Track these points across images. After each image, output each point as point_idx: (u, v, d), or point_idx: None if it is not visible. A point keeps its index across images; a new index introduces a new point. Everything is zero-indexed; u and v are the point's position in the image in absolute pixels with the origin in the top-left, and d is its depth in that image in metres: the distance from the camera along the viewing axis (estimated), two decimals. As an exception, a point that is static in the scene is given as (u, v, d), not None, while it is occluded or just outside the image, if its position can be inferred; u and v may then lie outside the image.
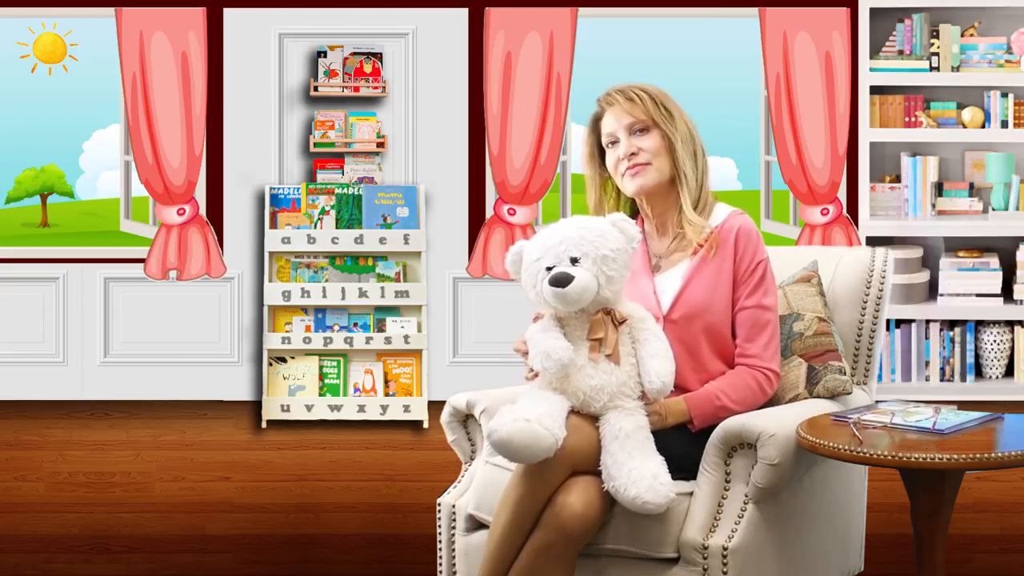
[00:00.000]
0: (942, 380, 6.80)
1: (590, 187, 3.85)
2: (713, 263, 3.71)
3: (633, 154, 3.71)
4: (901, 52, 6.81)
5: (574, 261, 3.51)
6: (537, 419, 3.38)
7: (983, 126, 6.81)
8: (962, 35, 6.81)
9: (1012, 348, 6.80)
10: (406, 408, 6.72)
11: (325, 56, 6.92)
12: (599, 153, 3.83)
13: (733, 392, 3.65)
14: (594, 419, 3.53)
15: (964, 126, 6.84)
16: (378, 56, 6.95)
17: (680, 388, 3.67)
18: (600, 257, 3.51)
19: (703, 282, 3.70)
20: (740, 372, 3.69)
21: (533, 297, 3.59)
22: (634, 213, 3.86)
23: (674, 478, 3.52)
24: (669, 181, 3.75)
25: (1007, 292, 6.81)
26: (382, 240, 6.81)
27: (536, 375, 3.59)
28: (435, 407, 6.60)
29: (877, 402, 3.82)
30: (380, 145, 6.94)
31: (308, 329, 6.81)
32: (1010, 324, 6.81)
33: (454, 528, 3.84)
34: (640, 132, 3.72)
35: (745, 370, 3.69)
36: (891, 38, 6.84)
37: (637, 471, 3.41)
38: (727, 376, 3.68)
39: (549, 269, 3.52)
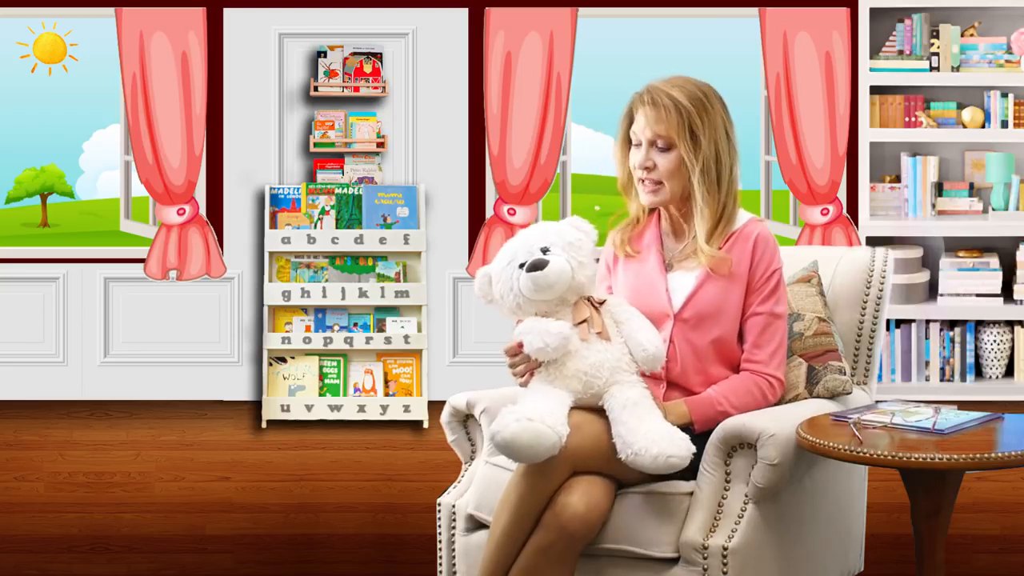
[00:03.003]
0: (942, 380, 6.80)
1: (620, 169, 3.79)
2: (721, 275, 3.69)
3: (648, 168, 3.68)
4: (901, 52, 6.81)
5: (544, 252, 3.58)
6: (540, 418, 3.39)
7: (983, 126, 6.81)
8: (962, 35, 6.81)
9: (1012, 348, 6.80)
10: (406, 408, 6.72)
11: (325, 56, 6.93)
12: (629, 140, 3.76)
13: (735, 397, 3.64)
14: (595, 411, 3.53)
15: (964, 126, 6.84)
16: (378, 56, 6.95)
17: (683, 389, 3.67)
18: (567, 244, 3.59)
19: (717, 286, 3.68)
20: (744, 378, 3.68)
21: (511, 303, 3.61)
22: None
23: (674, 478, 3.52)
24: (685, 196, 3.71)
25: (1007, 292, 6.80)
26: (382, 240, 6.81)
27: (529, 377, 3.59)
28: (435, 407, 6.60)
29: (877, 402, 3.82)
30: (380, 145, 6.94)
31: (308, 329, 6.81)
32: (1010, 324, 6.81)
33: (454, 528, 3.84)
34: (662, 148, 3.66)
35: (749, 376, 3.68)
36: (891, 38, 6.84)
37: (654, 431, 3.42)
38: (730, 381, 3.67)
39: (522, 265, 3.56)
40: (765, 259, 3.70)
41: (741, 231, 3.71)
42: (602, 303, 3.61)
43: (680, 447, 3.42)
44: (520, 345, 3.55)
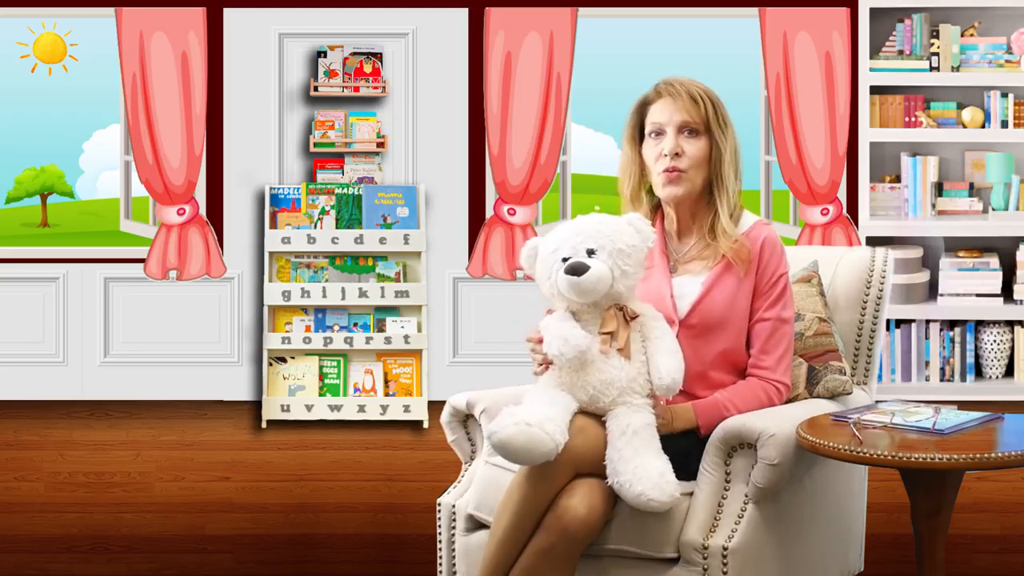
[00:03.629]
0: (942, 380, 6.80)
1: (626, 172, 3.75)
2: (735, 272, 3.68)
3: (677, 155, 3.64)
4: (901, 52, 6.81)
5: (590, 253, 3.51)
6: (538, 423, 3.38)
7: (983, 126, 6.81)
8: (962, 35, 6.81)
9: (1012, 348, 6.80)
10: (406, 408, 6.72)
11: (325, 56, 6.93)
12: (640, 137, 3.74)
13: (742, 403, 3.62)
14: (599, 418, 3.52)
15: (964, 126, 6.84)
16: (378, 56, 6.95)
17: (688, 395, 3.65)
18: (616, 251, 3.50)
19: (724, 291, 3.67)
20: (751, 383, 3.67)
21: (547, 289, 3.57)
22: (656, 206, 3.81)
23: (676, 477, 3.51)
24: (700, 191, 3.70)
25: (1007, 292, 6.81)
26: (382, 240, 6.81)
27: (545, 368, 3.57)
28: (435, 407, 6.60)
29: (877, 402, 3.82)
30: (380, 145, 6.94)
31: (308, 329, 6.81)
32: (1010, 324, 6.81)
33: (454, 528, 3.84)
34: (690, 134, 3.65)
35: (756, 381, 3.67)
36: (891, 38, 6.84)
37: (643, 468, 3.41)
38: (737, 386, 3.66)
39: (565, 260, 3.52)
40: (772, 263, 3.68)
41: (748, 234, 3.70)
42: (635, 317, 3.55)
43: (663, 491, 3.40)
44: (541, 340, 3.54)
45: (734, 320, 3.66)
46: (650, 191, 3.77)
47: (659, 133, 3.67)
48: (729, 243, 3.65)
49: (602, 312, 3.54)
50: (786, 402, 3.76)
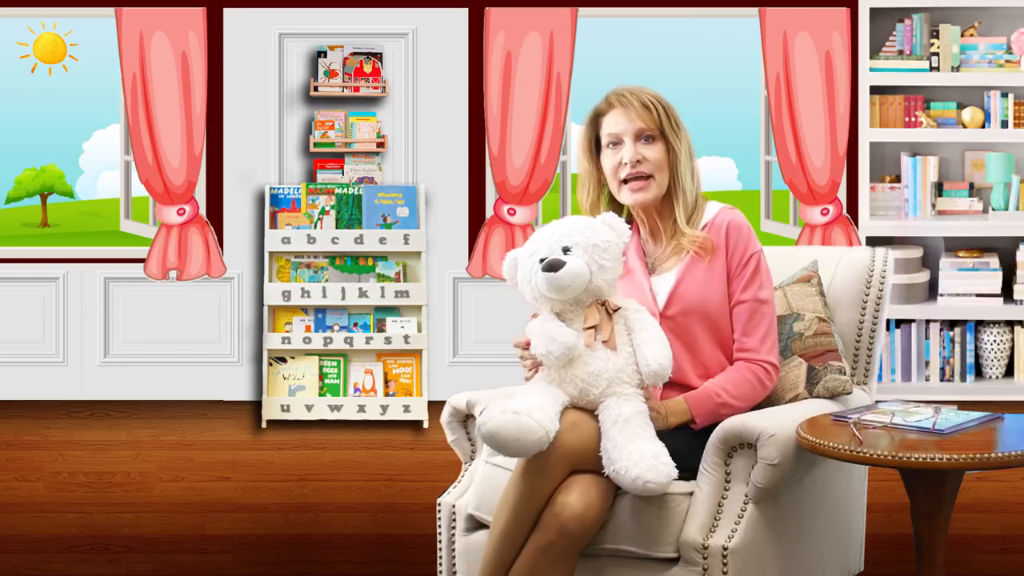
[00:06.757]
0: (942, 380, 6.80)
1: (584, 184, 3.82)
2: (706, 259, 3.71)
3: (638, 162, 3.70)
4: (901, 52, 6.81)
5: (566, 251, 3.56)
6: (526, 412, 3.39)
7: (983, 126, 6.81)
8: (962, 35, 6.81)
9: (1012, 348, 6.80)
10: (406, 408, 6.72)
11: (325, 56, 6.93)
12: (596, 149, 3.81)
13: (733, 388, 3.65)
14: (592, 413, 3.53)
15: (964, 126, 6.84)
16: (378, 56, 6.95)
17: (681, 385, 3.67)
18: (591, 246, 3.55)
19: (697, 277, 3.71)
20: (739, 368, 3.69)
21: (529, 294, 3.61)
22: (626, 214, 3.86)
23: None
24: (664, 194, 3.75)
25: (1007, 292, 6.81)
26: (382, 240, 6.81)
27: (536, 372, 3.59)
28: (435, 407, 6.60)
29: (877, 402, 3.83)
30: (380, 145, 6.94)
31: (308, 329, 6.81)
32: (1010, 324, 6.81)
33: (454, 528, 3.84)
34: (646, 140, 3.71)
35: (744, 365, 3.69)
36: (891, 38, 6.84)
37: (638, 452, 3.42)
38: (726, 373, 3.68)
39: (542, 261, 3.55)
40: (740, 245, 3.72)
41: (712, 222, 3.75)
42: (617, 310, 3.59)
43: (660, 473, 3.41)
44: (528, 343, 3.56)
45: (713, 304, 3.69)
46: (609, 201, 3.82)
47: (616, 143, 3.74)
48: (690, 239, 3.70)
49: (584, 309, 3.56)
50: (786, 402, 3.77)
